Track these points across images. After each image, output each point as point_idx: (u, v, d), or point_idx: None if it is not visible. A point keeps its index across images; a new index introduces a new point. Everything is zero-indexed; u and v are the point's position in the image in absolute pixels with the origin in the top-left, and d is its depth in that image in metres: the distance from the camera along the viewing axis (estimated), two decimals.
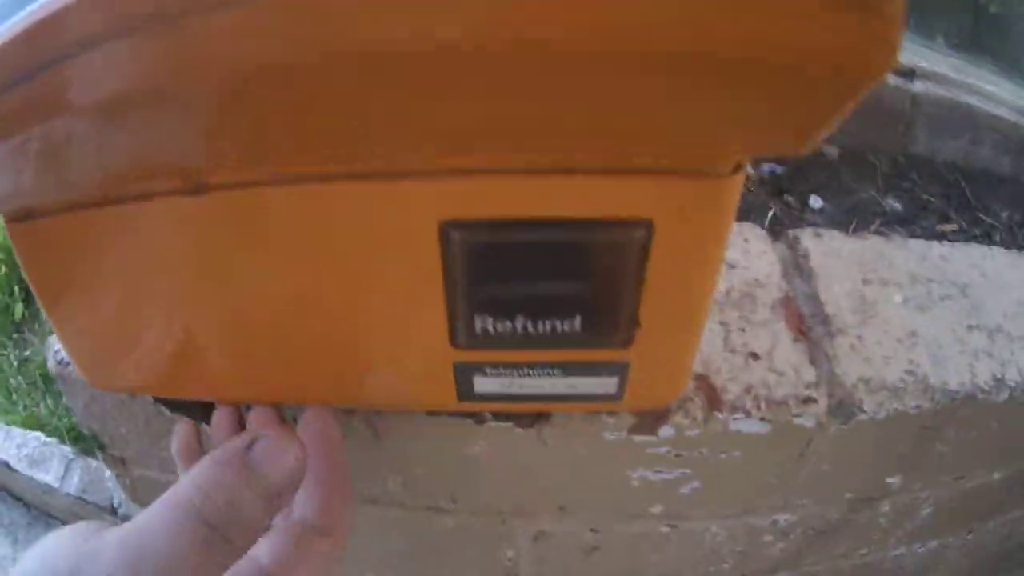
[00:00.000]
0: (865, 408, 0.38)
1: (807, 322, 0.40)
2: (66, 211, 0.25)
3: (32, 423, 1.08)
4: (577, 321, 0.27)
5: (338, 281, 0.27)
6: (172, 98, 0.18)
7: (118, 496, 0.99)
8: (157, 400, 0.40)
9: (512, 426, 0.37)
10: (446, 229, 0.24)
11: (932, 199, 0.49)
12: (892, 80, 0.51)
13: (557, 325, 0.27)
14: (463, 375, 0.30)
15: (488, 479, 0.43)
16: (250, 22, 0.16)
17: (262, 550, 0.28)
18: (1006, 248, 0.46)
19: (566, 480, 0.42)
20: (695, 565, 0.52)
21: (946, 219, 0.48)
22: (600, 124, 0.19)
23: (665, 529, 0.47)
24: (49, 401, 1.11)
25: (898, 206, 0.48)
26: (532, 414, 0.37)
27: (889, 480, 0.46)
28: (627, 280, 0.25)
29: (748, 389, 0.37)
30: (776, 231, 0.44)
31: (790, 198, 0.46)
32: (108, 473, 0.78)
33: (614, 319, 0.27)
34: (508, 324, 0.27)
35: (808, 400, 0.38)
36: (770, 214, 0.44)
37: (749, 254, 0.43)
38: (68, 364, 0.41)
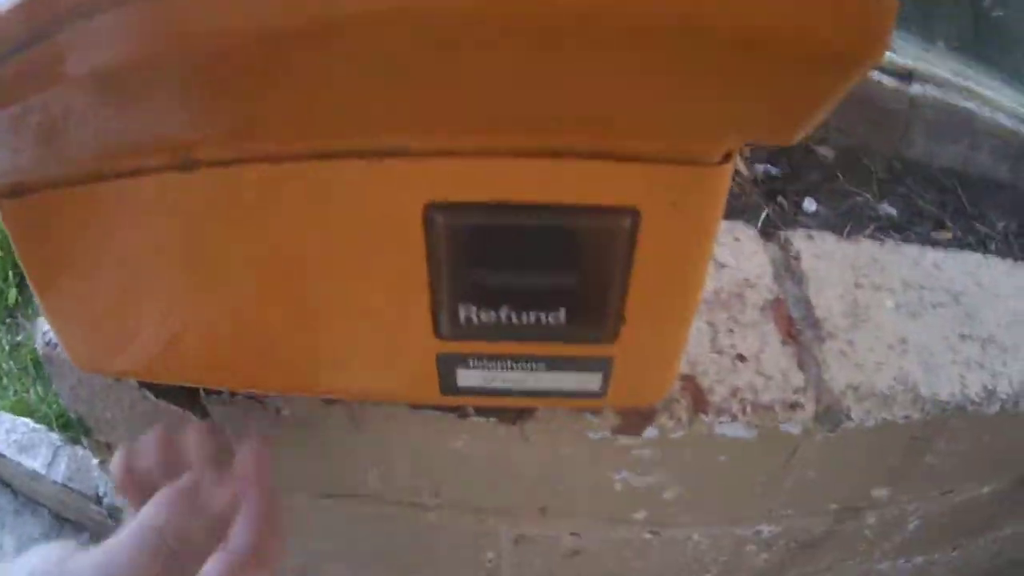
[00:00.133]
0: (852, 416, 0.38)
1: (797, 325, 0.40)
2: (58, 187, 0.25)
3: (22, 409, 1.07)
4: (562, 313, 0.27)
5: (324, 266, 0.27)
6: (162, 67, 0.18)
7: (103, 486, 0.99)
8: (142, 385, 0.40)
9: (495, 422, 0.37)
10: (431, 212, 0.24)
11: (928, 205, 0.49)
12: (889, 81, 0.51)
13: (542, 317, 0.27)
14: (446, 367, 0.30)
15: (470, 476, 0.42)
16: None
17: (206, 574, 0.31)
18: (1002, 258, 0.46)
19: (548, 480, 0.42)
20: (677, 573, 0.52)
21: (941, 226, 0.48)
22: (588, 105, 0.19)
23: (648, 536, 0.47)
24: (39, 387, 1.10)
25: (893, 211, 0.48)
26: (516, 410, 0.37)
27: (876, 492, 0.45)
28: (613, 270, 0.25)
29: (734, 392, 0.37)
30: (768, 232, 0.43)
31: (784, 200, 0.46)
32: (95, 462, 0.77)
33: (599, 312, 0.27)
34: (492, 314, 0.27)
35: (795, 405, 0.37)
36: (763, 215, 0.44)
37: (740, 254, 0.43)
38: (56, 346, 0.41)
